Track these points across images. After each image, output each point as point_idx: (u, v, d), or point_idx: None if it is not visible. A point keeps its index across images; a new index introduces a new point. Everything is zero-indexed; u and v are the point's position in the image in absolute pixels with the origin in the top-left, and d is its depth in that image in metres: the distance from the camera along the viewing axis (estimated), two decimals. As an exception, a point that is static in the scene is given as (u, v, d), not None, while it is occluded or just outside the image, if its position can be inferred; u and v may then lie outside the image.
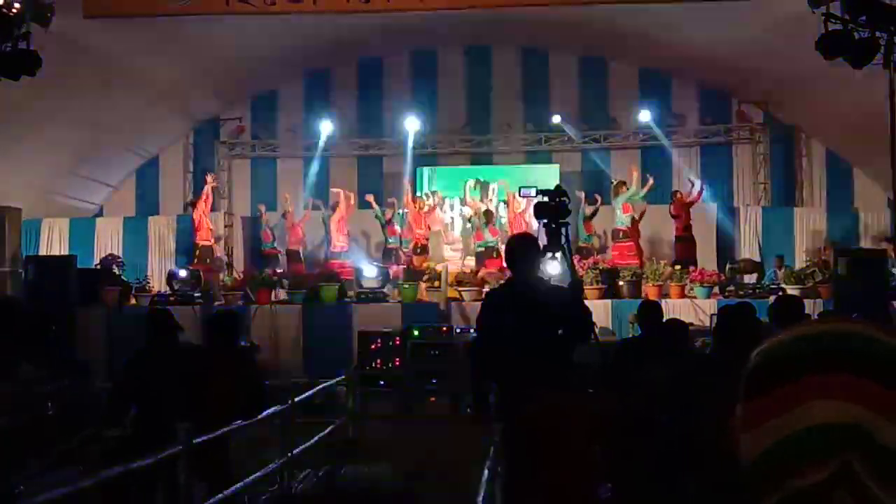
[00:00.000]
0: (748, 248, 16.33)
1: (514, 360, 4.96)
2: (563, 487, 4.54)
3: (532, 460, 4.55)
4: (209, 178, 16.69)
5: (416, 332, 12.04)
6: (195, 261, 15.65)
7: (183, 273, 14.37)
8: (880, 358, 0.98)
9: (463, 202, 17.37)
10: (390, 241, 15.92)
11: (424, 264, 14.61)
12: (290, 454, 6.87)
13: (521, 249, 5.29)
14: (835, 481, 0.92)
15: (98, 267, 14.35)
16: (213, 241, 16.28)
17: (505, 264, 5.50)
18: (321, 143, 17.69)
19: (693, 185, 15.65)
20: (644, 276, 13.55)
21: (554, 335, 5.00)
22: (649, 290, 13.21)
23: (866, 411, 0.94)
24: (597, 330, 5.99)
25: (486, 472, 3.78)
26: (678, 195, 15.38)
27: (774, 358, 1.01)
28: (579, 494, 4.55)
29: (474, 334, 11.74)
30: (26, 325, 5.63)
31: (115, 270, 14.52)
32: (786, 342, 1.02)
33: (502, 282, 5.79)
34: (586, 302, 6.01)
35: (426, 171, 17.90)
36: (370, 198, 16.17)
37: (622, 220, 15.10)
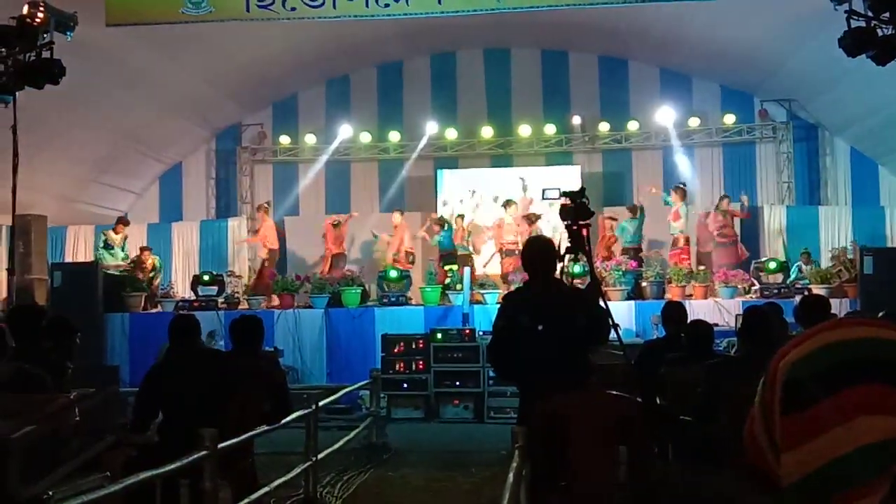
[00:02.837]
0: (772, 248, 16.20)
1: (534, 363, 4.94)
2: (589, 488, 4.52)
3: (556, 462, 4.53)
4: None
5: (438, 336, 12.05)
6: (265, 263, 15.90)
7: (206, 277, 14.44)
8: None
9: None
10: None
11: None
12: (314, 458, 6.88)
13: (539, 252, 5.27)
14: (889, 497, 0.89)
15: (123, 273, 14.47)
16: (277, 246, 16.53)
17: (523, 267, 5.47)
18: (342, 148, 17.86)
19: (742, 204, 15.51)
20: (667, 277, 13.48)
21: (573, 337, 4.97)
22: (673, 291, 13.13)
23: None
24: (620, 331, 5.96)
25: (510, 474, 3.76)
26: (726, 202, 15.37)
27: (806, 373, 0.97)
28: (604, 495, 4.53)
29: (489, 337, 11.79)
30: (52, 331, 5.68)
31: (140, 277, 14.60)
32: (815, 354, 0.98)
33: (520, 285, 5.77)
34: (609, 303, 5.98)
35: (446, 173, 17.92)
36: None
37: (674, 228, 15.05)
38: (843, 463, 0.93)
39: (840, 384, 0.96)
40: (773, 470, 1.01)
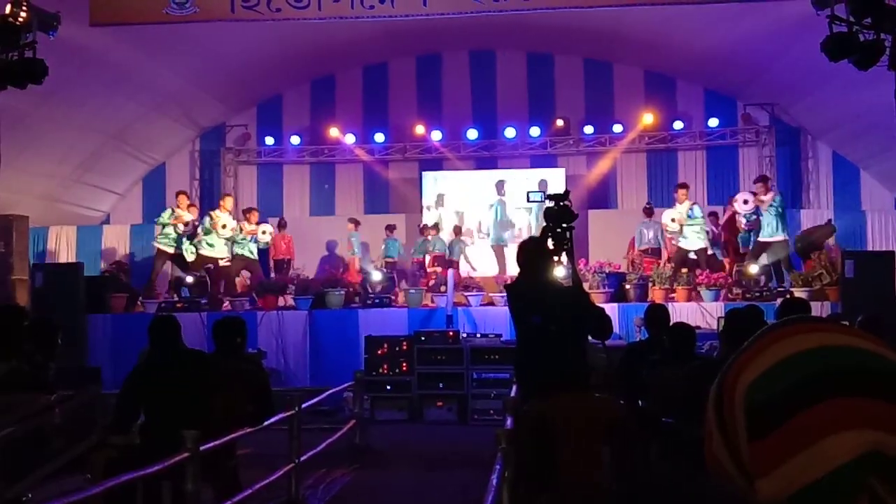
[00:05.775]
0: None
1: (536, 359, 5.01)
2: (577, 488, 4.53)
3: (545, 461, 4.55)
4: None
5: (422, 338, 12.03)
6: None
7: (190, 279, 14.38)
8: (880, 373, 0.93)
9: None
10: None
11: None
12: (297, 460, 6.87)
13: (530, 254, 5.32)
14: None
15: (106, 274, 14.37)
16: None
17: (518, 264, 5.54)
18: (327, 149, 17.85)
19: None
20: (651, 279, 13.51)
21: (570, 333, 5.03)
22: (656, 294, 13.15)
23: (883, 434, 0.89)
24: (603, 334, 6.00)
25: (494, 476, 3.77)
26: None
27: (765, 395, 0.94)
28: (592, 495, 4.55)
29: (473, 340, 11.81)
30: (33, 332, 5.65)
31: (122, 277, 14.52)
32: (771, 372, 0.95)
33: (511, 280, 5.85)
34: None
35: (431, 175, 17.93)
36: None
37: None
38: (816, 490, 0.91)
39: (802, 404, 0.94)
40: (744, 493, 0.99)
